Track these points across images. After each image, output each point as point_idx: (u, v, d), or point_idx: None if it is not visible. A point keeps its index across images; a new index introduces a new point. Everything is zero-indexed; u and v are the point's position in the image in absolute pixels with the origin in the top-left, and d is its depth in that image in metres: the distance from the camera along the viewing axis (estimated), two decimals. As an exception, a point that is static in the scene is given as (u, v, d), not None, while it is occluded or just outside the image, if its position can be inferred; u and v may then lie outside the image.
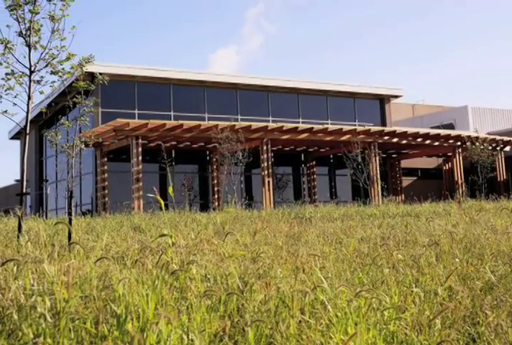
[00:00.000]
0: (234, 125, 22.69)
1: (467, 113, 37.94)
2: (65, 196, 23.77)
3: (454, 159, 28.51)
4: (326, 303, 3.69)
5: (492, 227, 8.11)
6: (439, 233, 7.49)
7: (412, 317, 3.73)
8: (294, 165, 30.69)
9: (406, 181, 33.47)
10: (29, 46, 7.63)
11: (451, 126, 37.86)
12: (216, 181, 26.89)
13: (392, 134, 26.54)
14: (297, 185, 30.48)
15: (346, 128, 25.30)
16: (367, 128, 25.95)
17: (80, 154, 10.47)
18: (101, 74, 8.72)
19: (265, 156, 23.65)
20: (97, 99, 11.70)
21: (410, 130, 27.75)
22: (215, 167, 26.89)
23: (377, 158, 25.67)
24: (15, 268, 4.27)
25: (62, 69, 7.83)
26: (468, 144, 27.16)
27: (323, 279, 4.14)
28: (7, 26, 7.71)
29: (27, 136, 7.77)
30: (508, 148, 31.15)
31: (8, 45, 7.62)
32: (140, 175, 21.61)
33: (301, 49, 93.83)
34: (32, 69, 7.66)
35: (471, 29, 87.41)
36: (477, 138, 27.41)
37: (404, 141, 27.18)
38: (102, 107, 24.77)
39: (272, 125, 24.10)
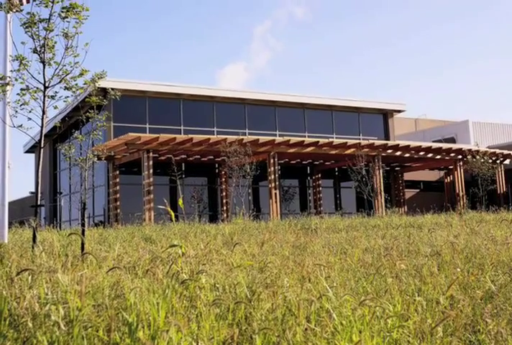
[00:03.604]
0: (242, 139, 22.83)
1: (468, 127, 38.07)
2: (78, 208, 23.97)
3: (456, 172, 28.55)
4: (332, 311, 3.72)
5: (492, 238, 8.12)
6: (441, 243, 7.52)
7: (415, 325, 3.78)
8: (300, 178, 30.75)
9: (409, 193, 33.46)
10: (43, 62, 7.74)
11: (452, 140, 37.97)
12: (224, 193, 27.00)
13: (396, 147, 26.62)
14: (303, 197, 30.52)
15: (350, 142, 25.41)
16: (371, 142, 26.05)
17: (92, 167, 10.56)
18: (113, 89, 8.86)
19: (272, 169, 23.77)
20: (109, 114, 11.87)
21: (413, 144, 27.82)
22: (223, 179, 27.03)
23: (381, 171, 25.81)
24: (30, 277, 4.35)
25: (76, 84, 7.90)
26: (469, 157, 27.20)
27: (328, 288, 4.18)
28: (22, 43, 7.82)
29: (42, 150, 7.83)
30: (507, 161, 31.13)
31: (24, 61, 7.74)
32: (151, 188, 21.75)
33: (307, 65, 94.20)
34: (46, 84, 7.76)
35: (472, 45, 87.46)
36: (477, 151, 27.50)
37: (407, 155, 27.26)
38: (114, 121, 24.98)
39: (279, 139, 24.23)
